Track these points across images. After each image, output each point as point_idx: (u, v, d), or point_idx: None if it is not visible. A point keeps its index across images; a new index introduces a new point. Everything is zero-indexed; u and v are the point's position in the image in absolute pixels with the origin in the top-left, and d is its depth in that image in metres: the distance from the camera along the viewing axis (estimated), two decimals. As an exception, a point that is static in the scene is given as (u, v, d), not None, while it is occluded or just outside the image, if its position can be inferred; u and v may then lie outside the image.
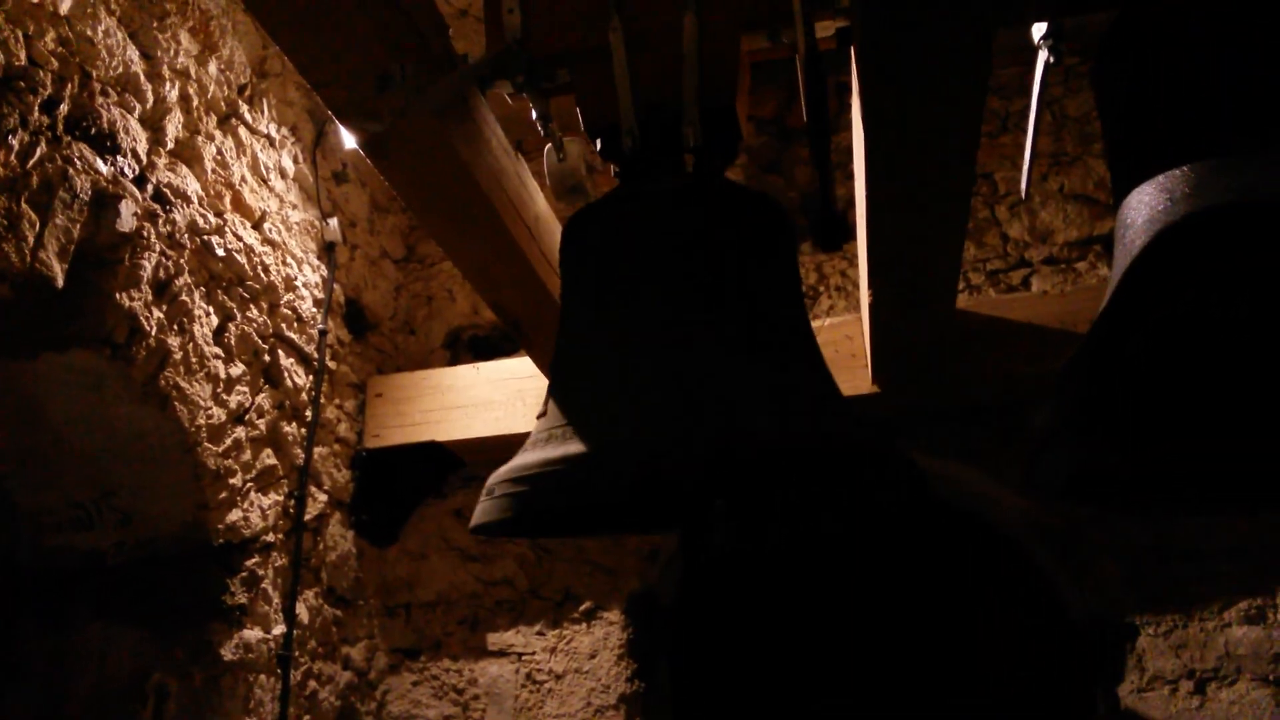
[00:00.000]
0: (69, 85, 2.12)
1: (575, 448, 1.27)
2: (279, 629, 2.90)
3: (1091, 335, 1.28)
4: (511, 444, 3.38)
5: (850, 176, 2.64)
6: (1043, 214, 3.37)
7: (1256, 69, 1.33)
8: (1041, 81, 1.59)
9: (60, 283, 2.07)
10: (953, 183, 1.76)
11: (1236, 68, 1.34)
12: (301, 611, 3.02)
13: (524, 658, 3.40)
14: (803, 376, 1.41)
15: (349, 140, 2.80)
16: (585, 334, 1.51)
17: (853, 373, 2.92)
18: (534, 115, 1.80)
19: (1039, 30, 1.52)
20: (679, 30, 1.57)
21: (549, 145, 1.86)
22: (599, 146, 1.68)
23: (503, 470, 1.39)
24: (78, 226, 2.12)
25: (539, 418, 1.46)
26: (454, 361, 3.82)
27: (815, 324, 2.91)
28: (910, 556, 4.13)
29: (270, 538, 2.89)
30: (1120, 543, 2.95)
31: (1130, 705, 2.82)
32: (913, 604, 4.15)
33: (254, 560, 2.81)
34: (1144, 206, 1.36)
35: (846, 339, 3.00)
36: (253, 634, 2.78)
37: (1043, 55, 1.55)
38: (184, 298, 2.51)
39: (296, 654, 2.97)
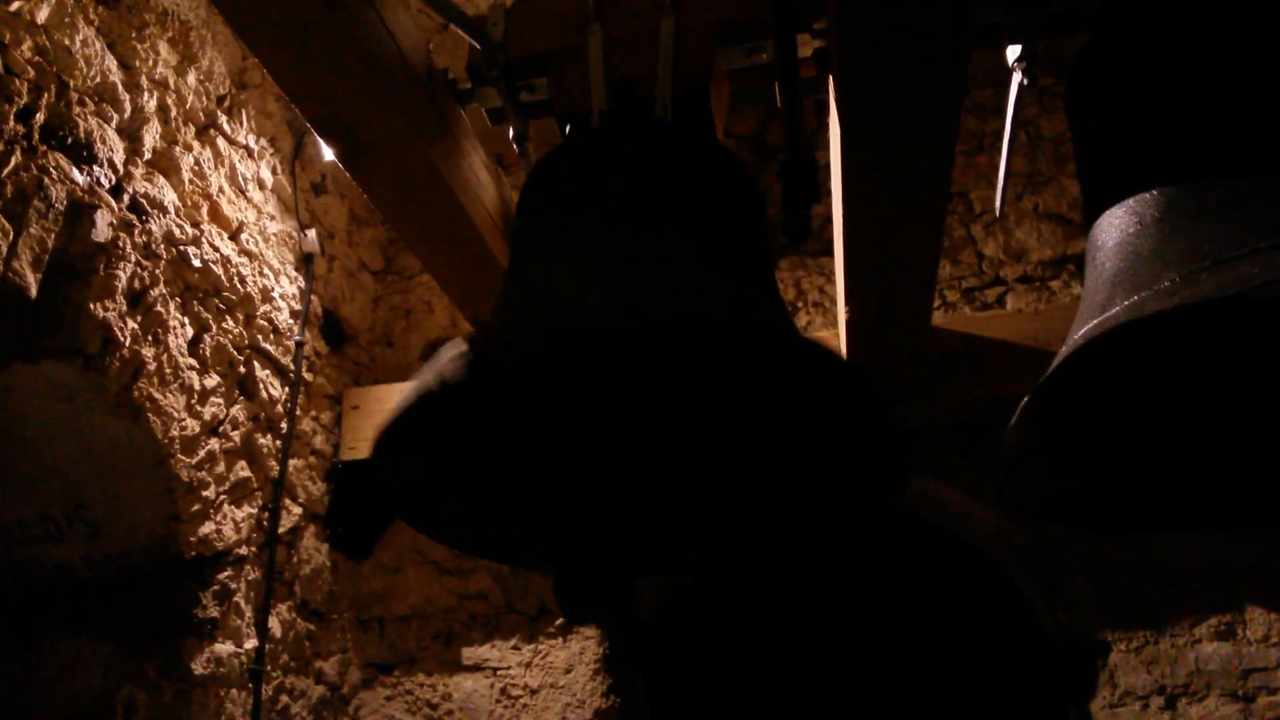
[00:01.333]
0: (45, 94, 2.11)
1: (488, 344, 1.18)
2: (251, 643, 2.87)
3: (1062, 356, 1.29)
4: (489, 457, 3.38)
5: (828, 194, 2.65)
6: (1017, 233, 3.41)
7: (1224, 93, 1.35)
8: (1015, 103, 1.61)
9: (34, 293, 2.06)
10: (928, 201, 1.78)
11: (1204, 92, 1.36)
12: (274, 625, 2.99)
13: (499, 672, 3.38)
14: (752, 296, 1.31)
15: (328, 152, 2.79)
16: (525, 262, 1.43)
17: (830, 389, 2.92)
18: (511, 135, 1.82)
19: (1013, 53, 1.55)
20: (656, 31, 1.59)
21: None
22: (569, 131, 1.68)
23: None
24: (52, 236, 2.10)
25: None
26: (432, 374, 3.80)
27: (793, 340, 2.91)
28: (888, 574, 4.14)
29: (243, 551, 2.87)
30: (1093, 561, 2.98)
31: (1102, 721, 2.84)
32: (893, 621, 4.17)
33: (226, 573, 2.79)
34: (1114, 229, 1.38)
35: (824, 355, 3.01)
36: (224, 648, 2.75)
37: (1017, 77, 1.57)
38: (159, 308, 2.49)
39: (268, 668, 2.94)
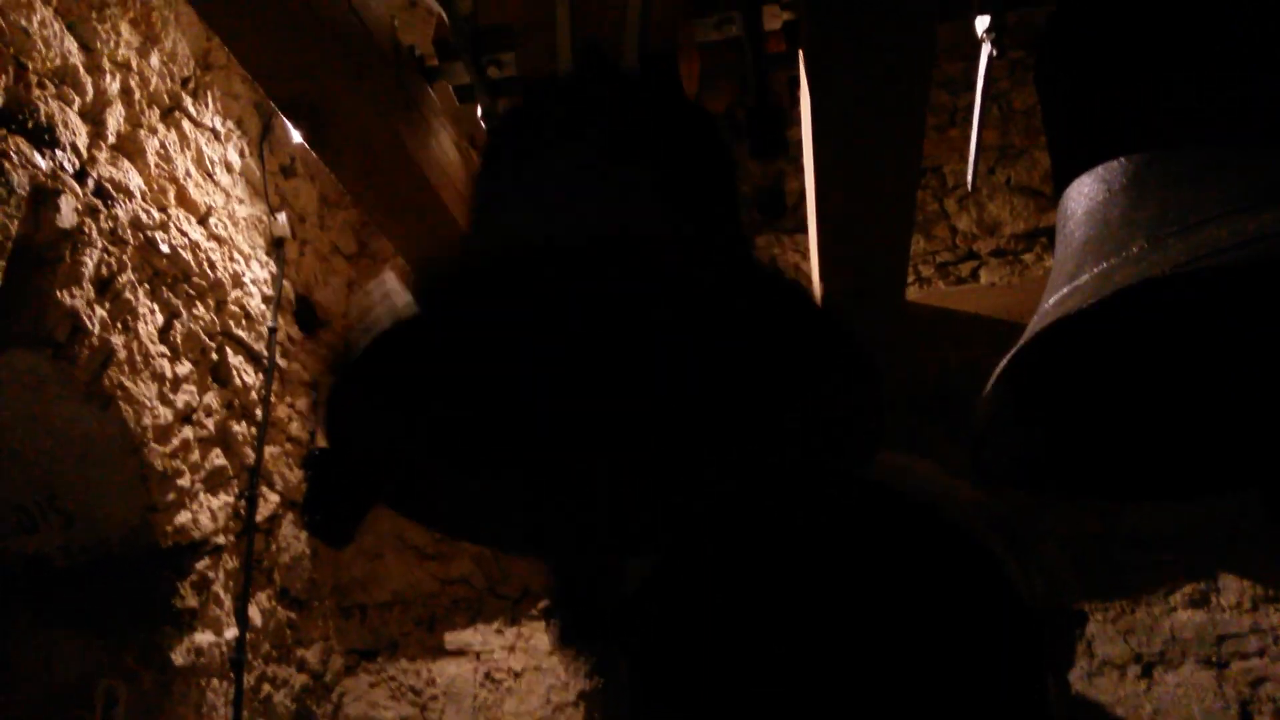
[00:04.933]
0: (3, 77, 2.07)
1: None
2: (231, 632, 2.85)
3: (1032, 326, 1.30)
4: (466, 441, 3.37)
5: (801, 170, 2.65)
6: (990, 206, 3.42)
7: (1190, 63, 1.35)
8: (985, 75, 1.60)
9: (-2, 281, 2.02)
10: (899, 175, 1.78)
11: (1171, 61, 1.37)
12: (254, 614, 2.98)
13: (482, 656, 3.38)
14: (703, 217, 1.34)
15: (296, 134, 2.76)
16: (480, 207, 1.46)
17: (806, 365, 2.93)
18: (479, 113, 1.80)
19: (982, 24, 1.54)
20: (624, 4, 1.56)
21: None
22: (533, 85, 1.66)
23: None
24: (15, 223, 2.07)
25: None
26: (408, 358, 3.78)
27: (768, 317, 2.91)
28: (866, 546, 4.17)
29: (221, 539, 2.85)
30: (1067, 531, 3.00)
31: (1081, 690, 2.87)
32: (870, 594, 4.19)
33: (204, 563, 2.77)
34: (1083, 198, 1.39)
35: (800, 332, 3.01)
36: (204, 638, 2.73)
37: (986, 48, 1.57)
38: (127, 295, 2.46)
39: (249, 657, 2.92)
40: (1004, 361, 1.33)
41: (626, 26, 1.50)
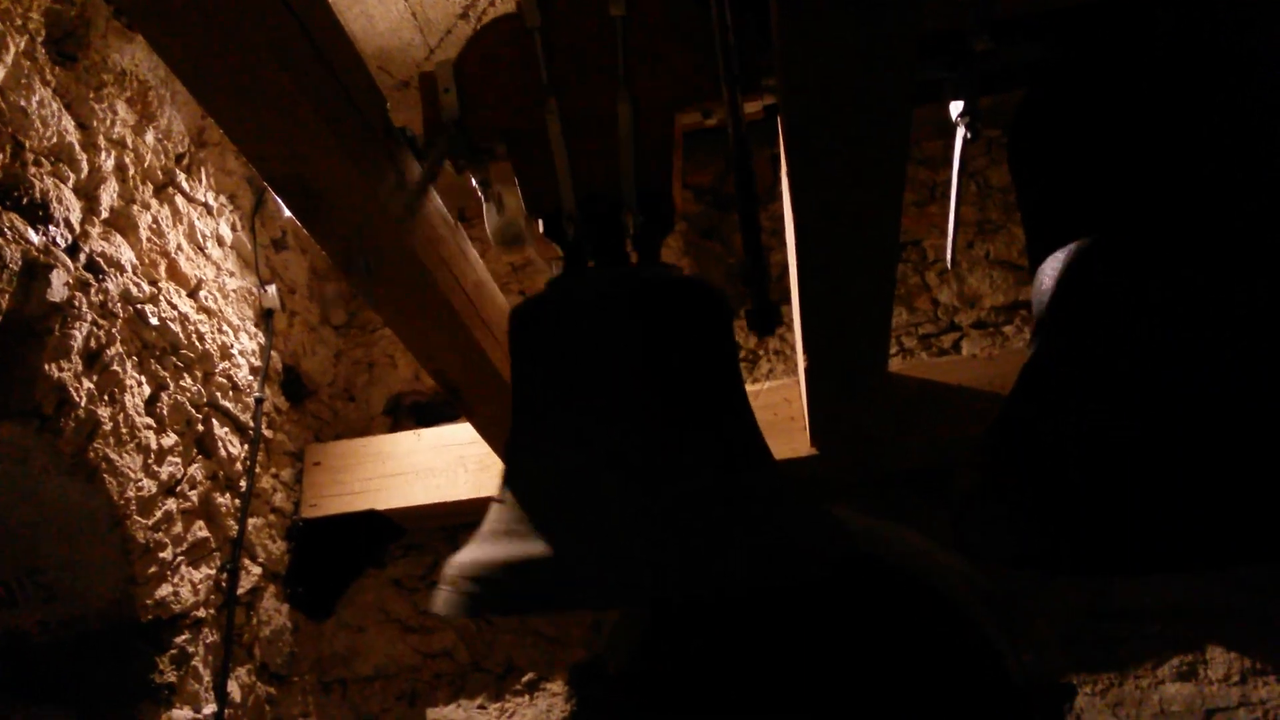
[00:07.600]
0: (1, 155, 2.10)
1: (538, 549, 1.32)
2: (210, 708, 2.80)
3: (1010, 400, 1.32)
4: (452, 511, 3.36)
5: (784, 244, 2.70)
6: (970, 279, 3.47)
7: (1155, 141, 1.40)
8: (960, 156, 1.65)
9: (-14, 354, 2.03)
10: (879, 251, 1.82)
11: (1136, 141, 1.42)
12: (233, 689, 2.93)
13: (465, 732, 3.33)
14: (751, 476, 1.47)
15: (287, 208, 2.80)
16: (539, 425, 1.54)
17: (791, 435, 2.95)
18: (474, 183, 1.84)
19: (956, 108, 1.59)
20: (614, 112, 1.63)
21: (488, 203, 1.90)
22: (542, 227, 1.73)
23: (464, 560, 1.40)
24: (6, 297, 2.08)
25: (495, 502, 1.48)
26: (395, 428, 3.78)
27: (754, 388, 2.94)
28: (852, 618, 4.14)
29: (201, 613, 2.81)
30: (1057, 605, 3.00)
31: (1071, 764, 2.84)
32: (855, 668, 4.15)
33: (184, 637, 2.73)
34: (1057, 274, 1.43)
35: (785, 402, 3.04)
36: (182, 714, 2.68)
37: (960, 131, 1.62)
38: (115, 367, 2.47)
39: (228, 734, 2.87)
40: (984, 434, 1.35)
41: (621, 152, 1.57)
